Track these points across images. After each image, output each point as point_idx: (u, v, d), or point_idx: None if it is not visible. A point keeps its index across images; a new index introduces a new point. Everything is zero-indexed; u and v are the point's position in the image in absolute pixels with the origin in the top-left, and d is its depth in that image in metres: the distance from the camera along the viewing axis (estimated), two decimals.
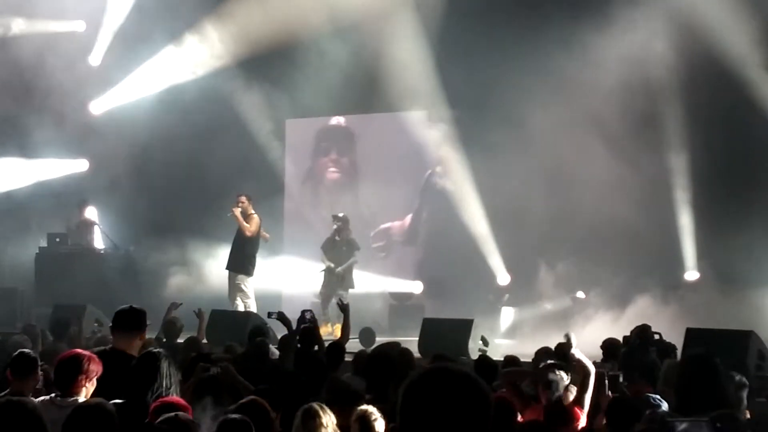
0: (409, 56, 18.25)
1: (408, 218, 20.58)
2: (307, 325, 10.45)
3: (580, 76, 16.37)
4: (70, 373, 6.22)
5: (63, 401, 6.05)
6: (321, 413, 5.98)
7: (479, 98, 17.74)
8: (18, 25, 21.20)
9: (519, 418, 6.69)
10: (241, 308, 15.83)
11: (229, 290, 16.34)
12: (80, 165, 22.62)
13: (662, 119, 16.60)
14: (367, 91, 18.75)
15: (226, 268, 16.51)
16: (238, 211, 16.26)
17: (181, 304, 11.89)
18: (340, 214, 18.15)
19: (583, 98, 16.41)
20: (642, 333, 10.57)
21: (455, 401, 2.63)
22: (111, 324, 7.26)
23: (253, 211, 16.49)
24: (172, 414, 5.14)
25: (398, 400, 2.72)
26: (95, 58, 21.89)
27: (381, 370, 7.72)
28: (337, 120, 21.61)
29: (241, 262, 16.33)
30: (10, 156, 21.80)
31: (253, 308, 15.75)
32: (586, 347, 10.48)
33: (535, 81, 16.64)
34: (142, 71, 21.43)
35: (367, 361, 8.42)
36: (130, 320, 7.13)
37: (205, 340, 11.81)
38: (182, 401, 5.92)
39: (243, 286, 16.15)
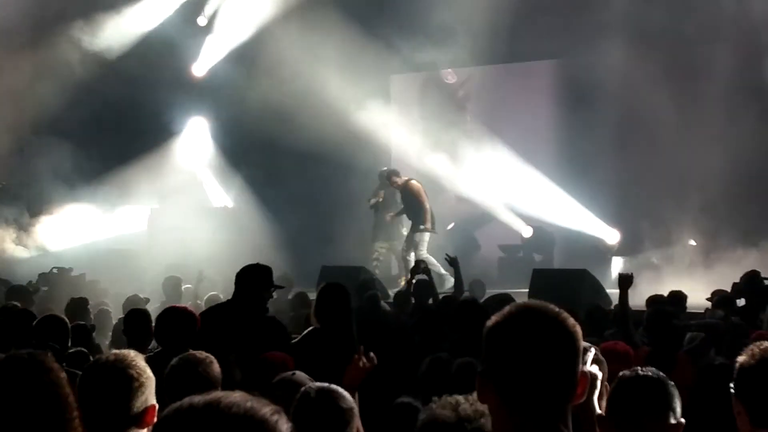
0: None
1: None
2: (422, 277, 10.64)
3: (684, 21, 16.23)
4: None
5: None
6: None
7: (578, 46, 17.60)
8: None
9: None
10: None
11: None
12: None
13: None
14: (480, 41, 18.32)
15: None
16: None
17: None
18: (382, 169, 18.56)
19: (688, 45, 16.28)
20: (751, 280, 10.48)
21: (541, 340, 2.59)
22: (235, 281, 7.47)
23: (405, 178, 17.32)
24: (289, 373, 4.92)
25: (484, 341, 2.68)
26: (203, 19, 21.53)
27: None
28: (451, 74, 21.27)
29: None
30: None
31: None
32: (697, 295, 10.53)
33: (636, 28, 16.55)
34: (238, 25, 20.95)
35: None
36: (255, 277, 7.32)
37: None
38: (284, 355, 6.10)
39: (416, 239, 16.86)
